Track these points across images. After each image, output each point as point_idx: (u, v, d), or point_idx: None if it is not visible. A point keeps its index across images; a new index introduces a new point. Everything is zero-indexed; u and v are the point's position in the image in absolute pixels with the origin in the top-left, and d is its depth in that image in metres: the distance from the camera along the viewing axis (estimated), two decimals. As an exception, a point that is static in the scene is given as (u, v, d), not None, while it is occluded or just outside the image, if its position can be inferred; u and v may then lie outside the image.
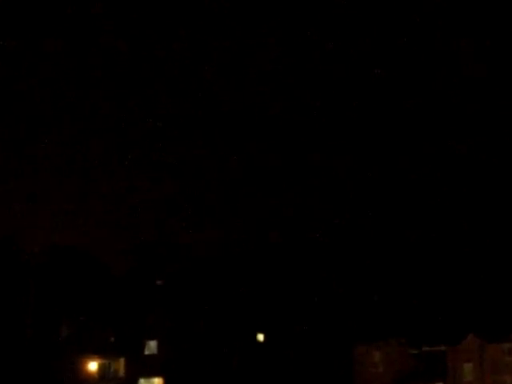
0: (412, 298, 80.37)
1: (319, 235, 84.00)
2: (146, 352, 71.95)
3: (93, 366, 68.06)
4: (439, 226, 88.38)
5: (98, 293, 72.44)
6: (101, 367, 68.57)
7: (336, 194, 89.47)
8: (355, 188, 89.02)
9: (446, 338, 70.02)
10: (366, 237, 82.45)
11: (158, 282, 79.40)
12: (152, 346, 72.22)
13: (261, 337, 75.20)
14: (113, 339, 69.75)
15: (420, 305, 78.98)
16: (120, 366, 70.12)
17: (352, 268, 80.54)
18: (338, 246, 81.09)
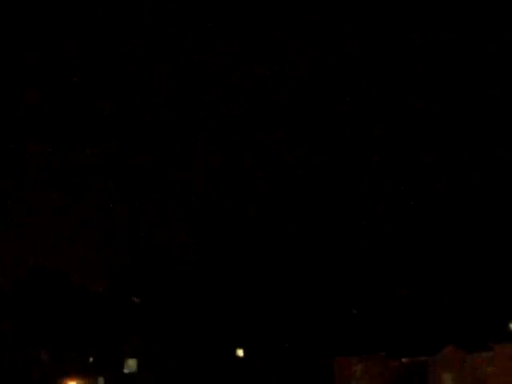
0: (391, 310, 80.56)
1: (298, 249, 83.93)
2: (126, 370, 71.49)
3: (72, 387, 67.60)
4: (415, 236, 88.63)
5: (75, 314, 71.89)
6: (80, 388, 68.16)
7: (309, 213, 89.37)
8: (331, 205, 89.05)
9: (426, 348, 70.13)
10: (344, 250, 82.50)
11: (136, 300, 79.01)
12: (131, 365, 71.78)
13: (240, 352, 74.83)
14: (92, 359, 69.15)
15: (399, 317, 79.18)
16: (99, 385, 69.70)
17: (331, 282, 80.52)
18: (316, 260, 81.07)
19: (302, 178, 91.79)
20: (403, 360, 68.08)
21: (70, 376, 67.15)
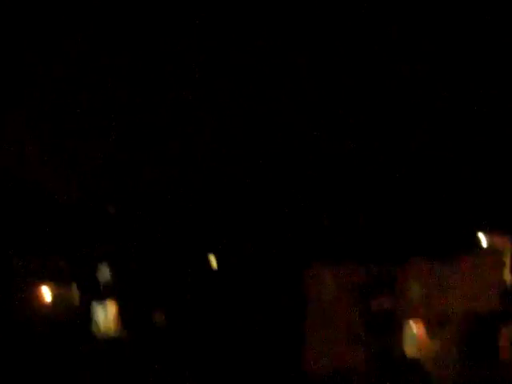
0: (361, 220, 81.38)
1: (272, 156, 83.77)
2: (99, 276, 72.23)
3: (45, 291, 68.24)
4: (388, 145, 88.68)
5: (48, 222, 71.94)
6: (54, 294, 68.87)
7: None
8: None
9: (394, 258, 71.34)
10: (319, 161, 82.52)
11: (110, 209, 79.11)
12: (104, 270, 72.50)
13: (212, 259, 75.62)
14: (63, 265, 69.68)
15: (369, 225, 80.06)
16: (72, 291, 70.45)
17: (305, 191, 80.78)
18: (289, 171, 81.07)
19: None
20: (372, 269, 69.27)
21: (43, 281, 67.80)
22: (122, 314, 73.24)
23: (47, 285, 68.08)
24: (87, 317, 71.05)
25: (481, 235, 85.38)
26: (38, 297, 67.74)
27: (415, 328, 73.10)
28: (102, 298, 72.38)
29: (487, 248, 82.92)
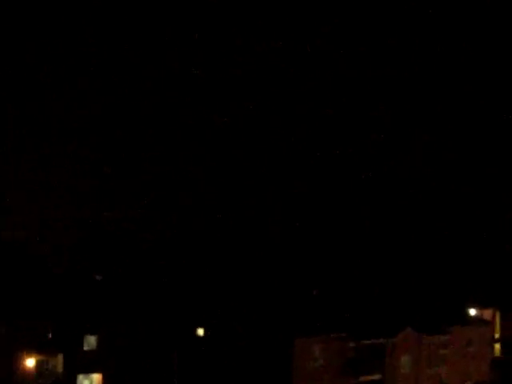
0: (351, 293, 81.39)
1: (259, 228, 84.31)
2: (86, 347, 71.29)
3: (30, 362, 67.16)
4: (376, 221, 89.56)
5: (35, 289, 71.53)
6: (38, 364, 67.67)
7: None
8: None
9: (385, 331, 71.07)
10: (305, 231, 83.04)
11: (97, 277, 78.82)
12: (91, 342, 71.62)
13: (201, 331, 75.03)
14: (50, 335, 68.81)
15: (358, 300, 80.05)
16: (58, 362, 69.34)
17: (292, 262, 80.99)
18: (277, 239, 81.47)
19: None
20: (362, 342, 68.88)
21: (29, 352, 66.83)
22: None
23: (32, 354, 67.05)
24: (72, 389, 69.98)
25: (470, 308, 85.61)
26: (22, 365, 66.66)
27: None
28: (87, 370, 71.44)
29: (476, 321, 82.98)
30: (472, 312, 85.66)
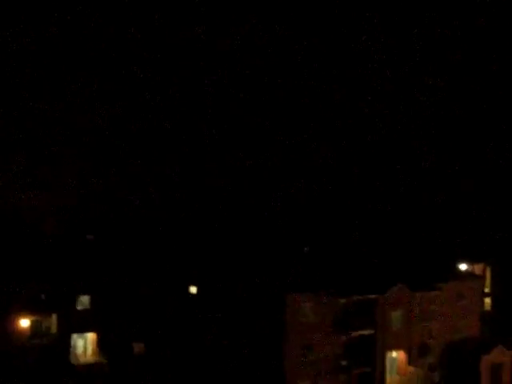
0: (341, 250, 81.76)
1: (251, 187, 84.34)
2: (79, 307, 71.87)
3: (24, 323, 67.76)
4: (367, 174, 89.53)
5: (28, 251, 71.84)
6: (33, 324, 68.38)
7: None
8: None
9: (375, 287, 71.52)
10: (296, 190, 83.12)
11: (89, 237, 79.07)
12: (84, 301, 72.16)
13: (193, 289, 75.51)
14: (44, 296, 69.26)
15: (349, 256, 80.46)
16: (52, 322, 70.02)
17: (283, 220, 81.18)
18: (270, 198, 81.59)
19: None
20: (353, 298, 69.34)
21: (23, 312, 67.35)
22: (102, 345, 72.92)
23: (27, 315, 67.58)
24: (67, 348, 70.64)
25: (460, 263, 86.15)
26: (16, 326, 67.23)
27: (396, 356, 73.23)
28: (81, 329, 72.08)
29: (467, 275, 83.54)
30: (462, 267, 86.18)
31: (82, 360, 71.88)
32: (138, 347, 74.15)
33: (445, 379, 74.75)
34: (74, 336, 72.18)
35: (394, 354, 72.75)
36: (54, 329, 70.15)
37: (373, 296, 70.45)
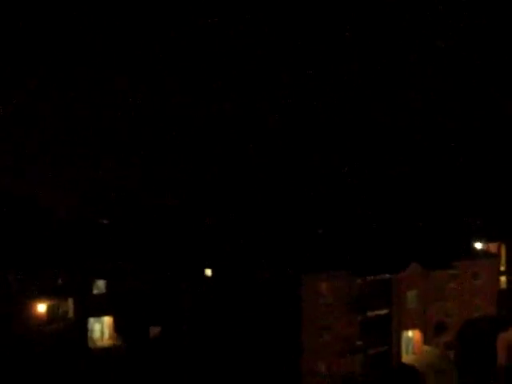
0: (356, 230, 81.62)
1: (266, 170, 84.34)
2: (95, 291, 72.17)
3: (41, 308, 68.16)
4: (382, 154, 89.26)
5: (44, 236, 72.11)
6: (49, 309, 68.76)
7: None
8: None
9: (390, 267, 71.46)
10: (311, 171, 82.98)
11: (104, 222, 79.26)
12: (100, 285, 72.47)
13: (209, 272, 75.67)
14: (60, 281, 69.60)
15: (364, 236, 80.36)
16: (69, 306, 70.37)
17: (297, 202, 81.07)
18: (284, 179, 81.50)
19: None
20: (368, 278, 69.33)
21: (39, 298, 67.72)
22: (118, 328, 73.25)
23: (43, 300, 67.95)
24: (84, 332, 71.02)
25: (476, 242, 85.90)
26: (33, 311, 67.63)
27: (412, 335, 73.24)
28: (98, 313, 72.44)
29: (482, 254, 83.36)
30: (478, 246, 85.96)
31: (99, 344, 72.27)
32: (154, 331, 74.47)
33: (461, 358, 74.74)
34: (91, 320, 72.50)
35: (410, 333, 72.75)
36: (70, 313, 70.49)
37: (388, 275, 70.45)
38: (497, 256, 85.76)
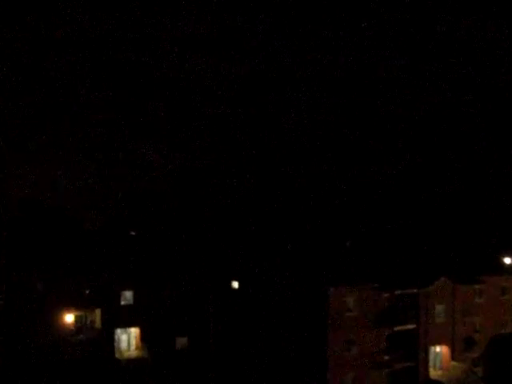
0: (384, 244, 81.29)
1: (294, 183, 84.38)
2: (122, 302, 72.50)
3: (69, 318, 68.62)
4: (409, 170, 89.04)
5: (72, 247, 72.60)
6: (77, 319, 69.22)
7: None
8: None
9: (418, 280, 71.07)
10: (339, 184, 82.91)
11: (132, 233, 79.62)
12: (128, 296, 72.79)
13: (235, 284, 75.76)
14: (88, 292, 70.01)
15: (392, 250, 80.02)
16: (96, 317, 70.77)
17: (326, 214, 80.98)
18: (311, 191, 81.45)
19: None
20: (396, 292, 68.97)
21: (67, 308, 68.19)
22: (145, 339, 73.52)
23: (71, 310, 68.42)
24: (111, 343, 71.32)
25: (504, 257, 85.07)
26: (61, 322, 68.09)
27: (440, 351, 72.68)
28: (125, 324, 72.76)
29: (511, 270, 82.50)
30: (507, 261, 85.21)
31: (126, 354, 72.55)
32: (180, 342, 74.65)
33: (489, 374, 73.99)
34: (118, 331, 72.84)
35: (438, 348, 72.22)
36: (98, 324, 70.88)
37: (416, 290, 70.03)
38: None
